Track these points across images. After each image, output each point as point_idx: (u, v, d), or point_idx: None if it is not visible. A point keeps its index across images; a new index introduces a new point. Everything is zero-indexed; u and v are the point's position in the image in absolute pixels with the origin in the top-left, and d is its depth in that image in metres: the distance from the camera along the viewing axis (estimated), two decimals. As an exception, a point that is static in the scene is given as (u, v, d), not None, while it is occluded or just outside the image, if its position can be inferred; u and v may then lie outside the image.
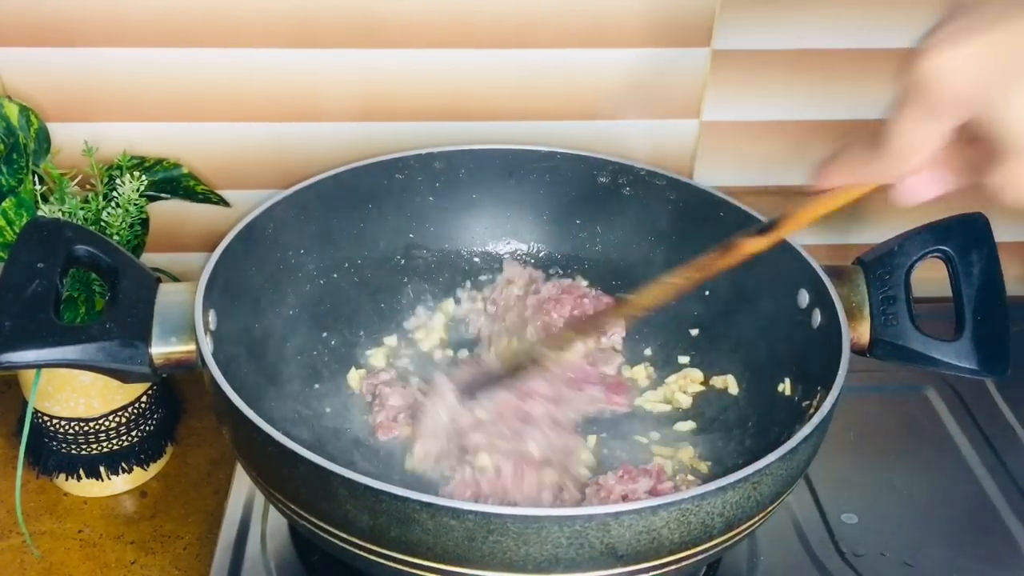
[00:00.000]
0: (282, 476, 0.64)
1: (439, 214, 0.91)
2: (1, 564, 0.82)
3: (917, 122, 0.51)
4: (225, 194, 0.92)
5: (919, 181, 0.54)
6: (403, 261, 0.91)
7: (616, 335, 0.89)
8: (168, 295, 0.71)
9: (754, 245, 0.65)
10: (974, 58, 0.47)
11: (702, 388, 0.86)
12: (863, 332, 0.76)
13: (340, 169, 0.86)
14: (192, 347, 0.69)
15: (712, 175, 0.99)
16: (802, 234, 0.81)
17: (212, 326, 0.71)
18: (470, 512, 0.57)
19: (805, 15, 0.93)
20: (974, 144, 0.51)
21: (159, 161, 0.89)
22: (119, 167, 0.86)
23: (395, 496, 0.58)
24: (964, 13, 0.49)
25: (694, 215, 0.87)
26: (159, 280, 0.73)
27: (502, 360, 0.82)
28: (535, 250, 0.94)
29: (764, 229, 0.64)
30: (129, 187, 0.82)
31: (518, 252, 0.94)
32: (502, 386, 0.79)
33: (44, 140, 0.86)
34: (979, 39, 0.47)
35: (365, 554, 0.62)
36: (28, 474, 0.88)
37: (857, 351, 0.74)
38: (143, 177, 0.84)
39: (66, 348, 0.66)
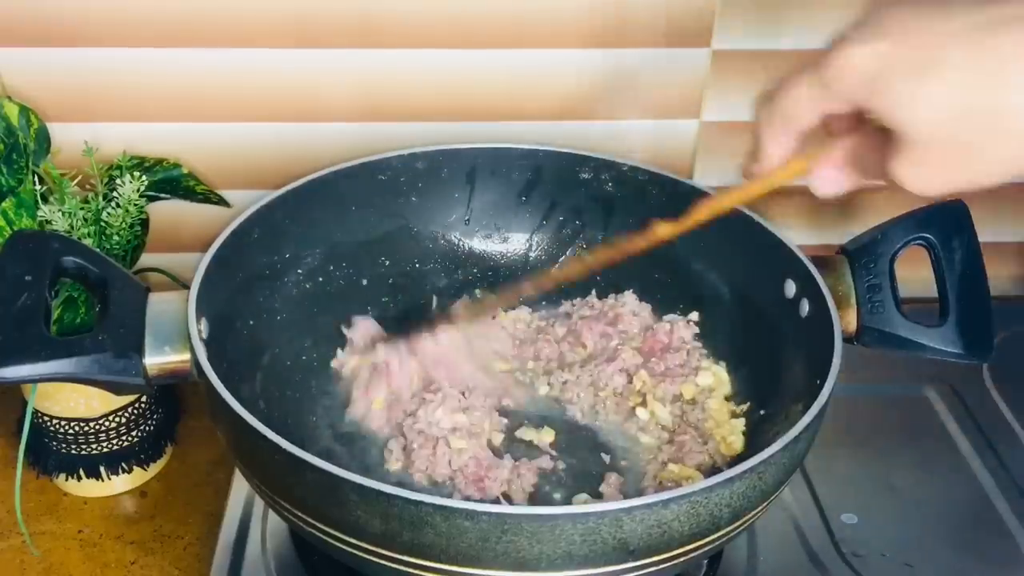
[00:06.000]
0: (288, 484, 0.63)
1: (422, 214, 0.91)
2: (1, 564, 0.82)
3: (810, 94, 0.54)
4: (225, 194, 0.92)
5: (828, 174, 0.59)
6: (387, 262, 0.91)
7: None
8: (159, 304, 0.71)
9: (665, 230, 0.68)
10: (878, 55, 0.51)
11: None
12: (850, 320, 0.77)
13: (322, 172, 0.86)
14: (186, 356, 0.68)
15: (712, 175, 0.99)
16: (791, 232, 0.81)
17: (204, 334, 0.70)
18: (484, 513, 0.57)
19: (805, 15, 0.93)
20: (876, 141, 0.55)
21: (159, 161, 0.89)
22: (119, 167, 0.86)
23: (408, 500, 0.58)
24: (877, 17, 0.53)
25: (676, 210, 0.87)
26: (148, 289, 0.72)
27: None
28: (518, 247, 0.94)
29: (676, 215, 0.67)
30: (129, 187, 0.82)
31: (504, 250, 0.94)
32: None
33: (44, 140, 0.86)
34: (887, 38, 0.51)
35: (374, 559, 0.62)
36: (28, 474, 0.88)
37: (844, 339, 0.75)
38: (143, 177, 0.83)
39: (60, 362, 0.66)
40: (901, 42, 0.51)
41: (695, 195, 0.85)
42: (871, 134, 0.55)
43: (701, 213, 0.65)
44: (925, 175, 0.53)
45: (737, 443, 0.79)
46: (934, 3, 0.51)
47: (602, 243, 0.73)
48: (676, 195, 0.88)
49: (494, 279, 0.94)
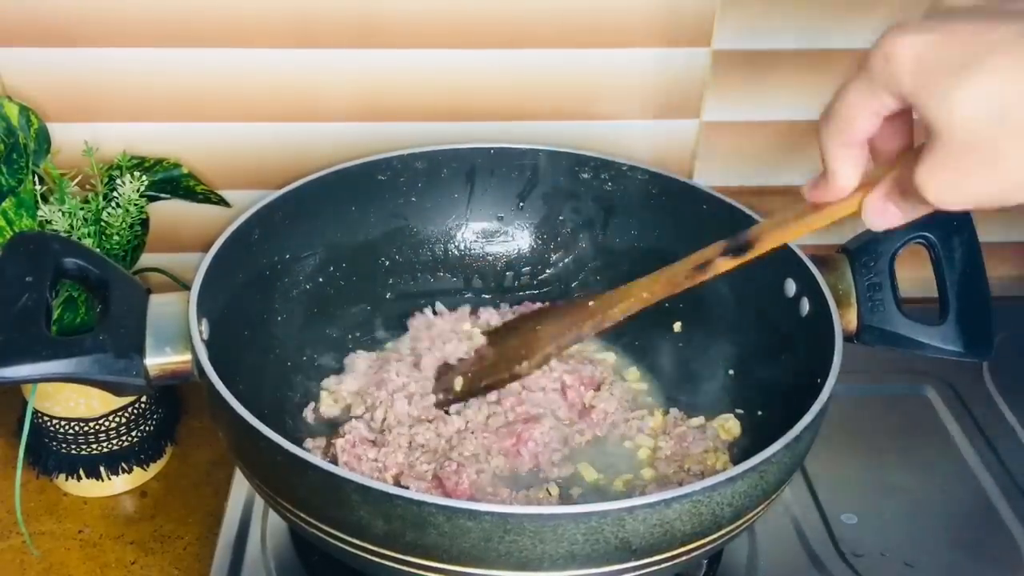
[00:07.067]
0: (290, 484, 0.63)
1: (422, 214, 0.91)
2: (1, 564, 0.82)
3: (859, 92, 0.53)
4: (225, 194, 0.92)
5: (877, 202, 0.56)
6: (387, 263, 0.91)
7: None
8: (160, 306, 0.71)
9: (727, 265, 0.67)
10: (924, 45, 0.50)
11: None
12: (850, 319, 0.77)
13: (322, 172, 0.86)
14: (187, 357, 0.69)
15: (712, 175, 0.99)
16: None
17: (204, 335, 0.70)
18: (487, 513, 0.57)
19: (805, 15, 0.93)
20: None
21: (159, 161, 0.89)
22: (119, 167, 0.86)
23: (410, 500, 0.58)
24: (928, 16, 0.52)
25: (677, 208, 0.88)
26: (149, 291, 0.72)
27: (475, 376, 0.82)
28: (519, 246, 0.94)
29: (738, 249, 0.66)
30: (129, 187, 0.82)
31: (504, 251, 0.94)
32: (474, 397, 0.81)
33: (44, 140, 0.86)
34: (935, 32, 0.50)
35: (376, 559, 0.62)
36: (28, 474, 0.88)
37: (844, 338, 0.75)
38: (143, 177, 0.83)
39: (60, 362, 0.66)
40: (949, 37, 0.49)
41: (694, 193, 0.87)
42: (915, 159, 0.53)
43: (763, 247, 0.65)
44: (950, 182, 0.51)
45: (735, 427, 0.80)
46: (987, 12, 0.50)
47: (646, 279, 0.73)
48: (676, 195, 0.88)
49: (493, 279, 0.94)
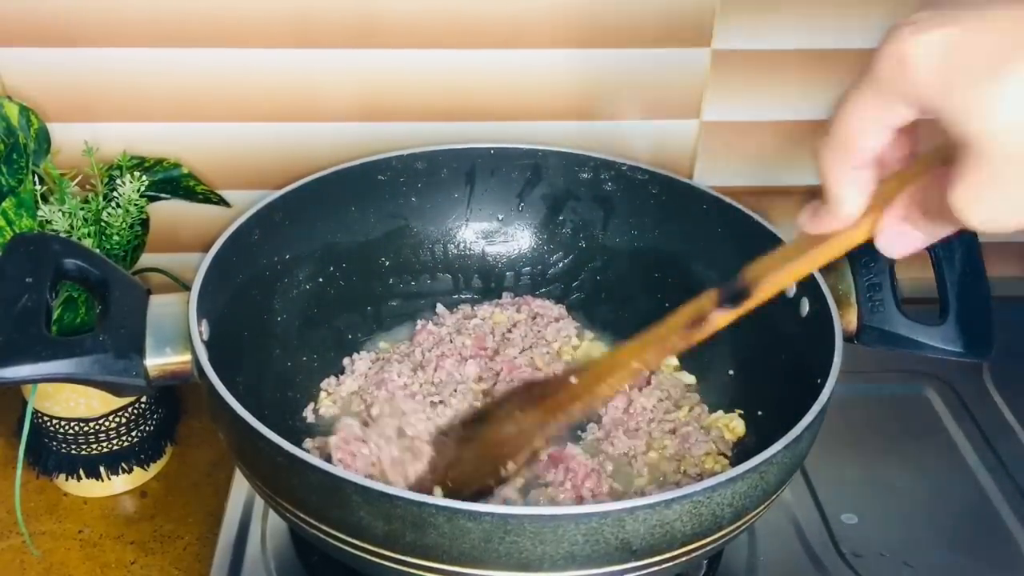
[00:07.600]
0: (290, 485, 0.63)
1: (422, 214, 0.92)
2: (1, 564, 0.82)
3: (866, 104, 0.46)
4: (225, 194, 0.92)
5: (893, 228, 0.49)
6: (387, 263, 0.91)
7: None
8: (160, 306, 0.71)
9: (725, 318, 0.59)
10: (942, 44, 0.42)
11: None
12: (850, 319, 0.77)
13: (322, 172, 0.86)
14: (187, 357, 0.68)
15: (712, 175, 0.99)
16: (791, 231, 0.81)
17: (204, 336, 0.70)
18: (487, 514, 0.58)
19: (805, 15, 0.93)
20: (943, 174, 0.45)
21: (159, 161, 0.89)
22: (119, 167, 0.86)
23: (411, 501, 0.58)
24: (941, 3, 0.43)
25: (677, 208, 0.89)
26: (149, 291, 0.72)
27: (456, 484, 0.73)
28: (519, 247, 0.94)
29: (734, 297, 0.59)
30: (129, 187, 0.82)
31: (504, 251, 0.94)
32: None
33: (44, 140, 0.86)
34: (952, 27, 0.42)
35: (376, 559, 0.62)
36: (28, 474, 0.88)
37: (844, 338, 0.75)
38: (143, 177, 0.83)
39: (60, 362, 0.66)
40: (977, 31, 0.41)
41: (693, 193, 0.87)
42: (936, 168, 0.47)
43: (764, 292, 0.57)
44: (994, 203, 0.43)
45: (739, 427, 0.80)
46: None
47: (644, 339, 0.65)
48: (676, 195, 0.88)
49: (494, 280, 0.94)
